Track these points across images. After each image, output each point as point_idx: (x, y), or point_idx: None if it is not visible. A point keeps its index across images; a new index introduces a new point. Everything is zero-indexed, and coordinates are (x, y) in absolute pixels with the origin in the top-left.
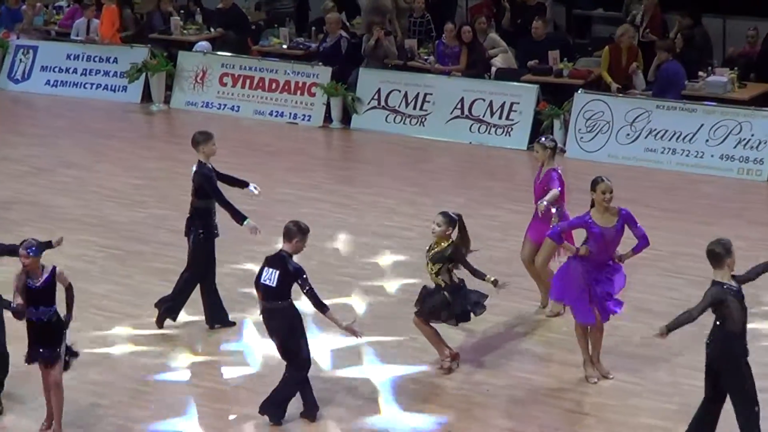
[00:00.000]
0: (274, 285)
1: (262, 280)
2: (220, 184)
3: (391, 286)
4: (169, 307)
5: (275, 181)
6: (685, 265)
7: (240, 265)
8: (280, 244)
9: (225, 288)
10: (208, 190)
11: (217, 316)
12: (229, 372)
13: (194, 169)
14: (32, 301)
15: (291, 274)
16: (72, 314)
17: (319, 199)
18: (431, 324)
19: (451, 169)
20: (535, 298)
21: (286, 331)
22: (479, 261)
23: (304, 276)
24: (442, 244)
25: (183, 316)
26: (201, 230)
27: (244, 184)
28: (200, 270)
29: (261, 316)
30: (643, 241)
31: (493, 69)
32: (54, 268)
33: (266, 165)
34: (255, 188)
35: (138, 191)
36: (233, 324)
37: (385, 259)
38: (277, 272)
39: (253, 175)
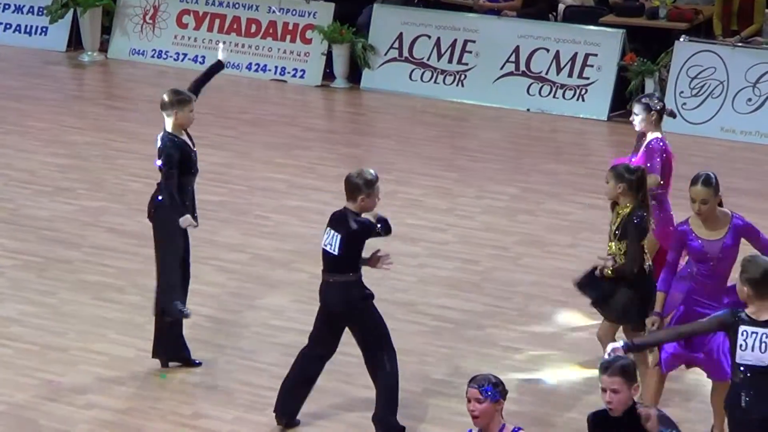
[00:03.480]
0: (335, 252)
1: (323, 245)
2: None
3: (419, 309)
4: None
5: (254, 161)
6: None
7: (206, 279)
8: (259, 250)
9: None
10: (165, 164)
11: (173, 349)
12: None
13: (158, 142)
14: None
15: (356, 233)
16: None
17: (317, 187)
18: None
19: (500, 146)
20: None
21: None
22: (542, 274)
23: (378, 227)
24: (625, 210)
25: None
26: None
27: (216, 67)
28: (174, 246)
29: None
30: None
31: (561, 7)
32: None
33: (242, 139)
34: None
35: (63, 175)
36: (198, 364)
37: (409, 273)
38: (339, 236)
39: (223, 153)
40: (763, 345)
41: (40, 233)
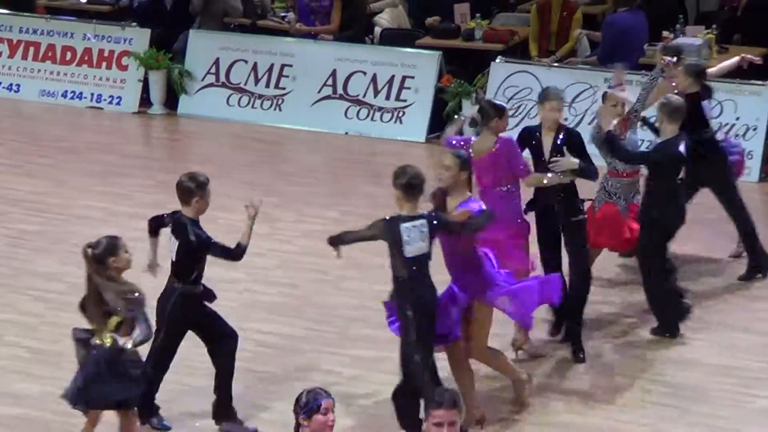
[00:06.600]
0: (174, 259)
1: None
2: None
3: (240, 335)
4: None
5: (71, 189)
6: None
7: (23, 309)
8: (77, 279)
9: None
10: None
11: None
12: None
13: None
14: None
15: (194, 246)
16: None
17: (135, 214)
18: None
19: (319, 170)
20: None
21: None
22: (363, 297)
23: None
24: None
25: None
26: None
27: None
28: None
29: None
30: None
31: (377, 30)
32: None
33: (58, 168)
34: None
35: None
36: None
37: (231, 299)
38: (177, 242)
39: (40, 182)
40: (421, 233)
41: None
